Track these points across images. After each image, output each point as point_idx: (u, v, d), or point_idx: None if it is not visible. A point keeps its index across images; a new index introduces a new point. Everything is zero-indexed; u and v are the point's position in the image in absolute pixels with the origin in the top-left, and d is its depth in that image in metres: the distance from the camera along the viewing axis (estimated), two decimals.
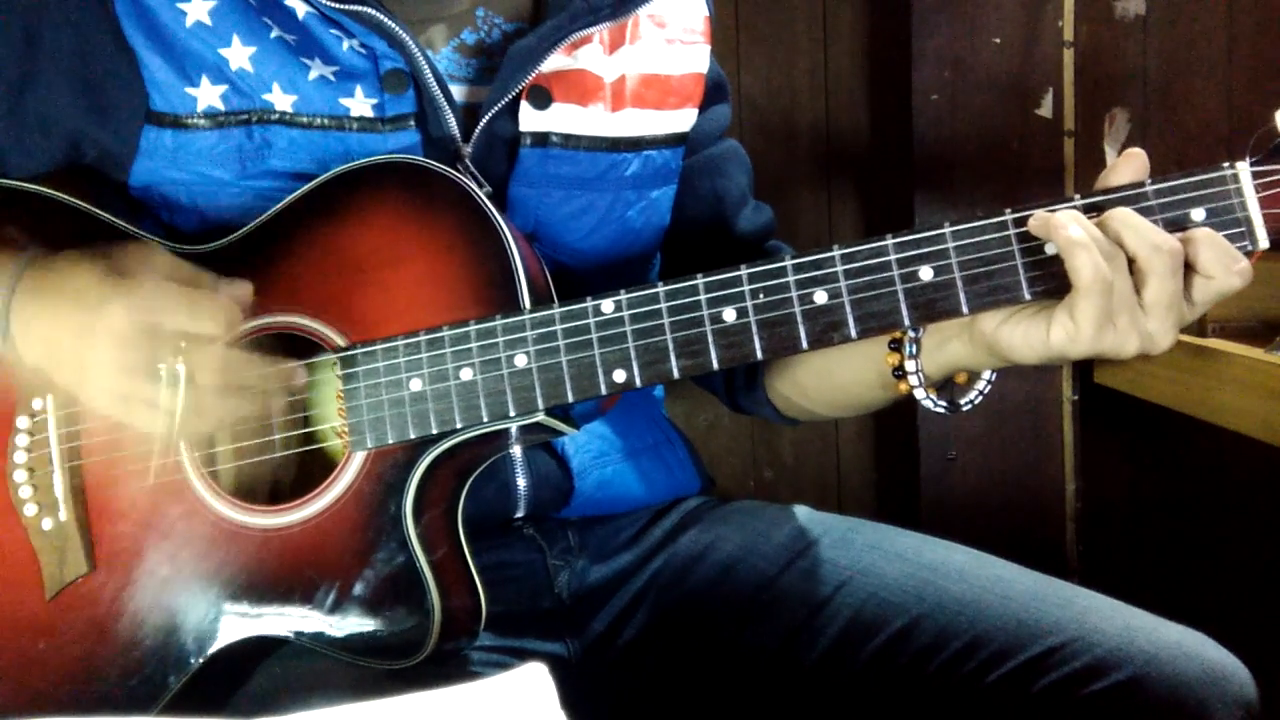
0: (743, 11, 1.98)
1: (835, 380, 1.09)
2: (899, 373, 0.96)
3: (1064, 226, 0.81)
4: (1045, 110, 1.91)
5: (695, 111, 1.17)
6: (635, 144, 1.12)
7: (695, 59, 1.17)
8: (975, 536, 1.11)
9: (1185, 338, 1.56)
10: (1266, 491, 1.88)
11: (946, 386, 0.99)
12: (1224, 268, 0.82)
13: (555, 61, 1.06)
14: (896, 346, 0.96)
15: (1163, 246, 0.81)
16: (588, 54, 1.09)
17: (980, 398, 0.97)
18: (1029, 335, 0.87)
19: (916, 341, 0.95)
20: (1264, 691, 0.94)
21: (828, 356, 1.06)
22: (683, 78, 1.15)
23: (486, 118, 1.03)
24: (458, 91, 1.06)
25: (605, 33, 1.10)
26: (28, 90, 1.02)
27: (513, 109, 1.05)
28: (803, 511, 1.16)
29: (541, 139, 1.06)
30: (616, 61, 1.11)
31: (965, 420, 1.96)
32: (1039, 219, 0.83)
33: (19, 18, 1.02)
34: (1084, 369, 1.92)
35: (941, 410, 0.97)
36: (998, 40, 1.90)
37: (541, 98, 1.06)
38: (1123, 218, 0.82)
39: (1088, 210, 0.84)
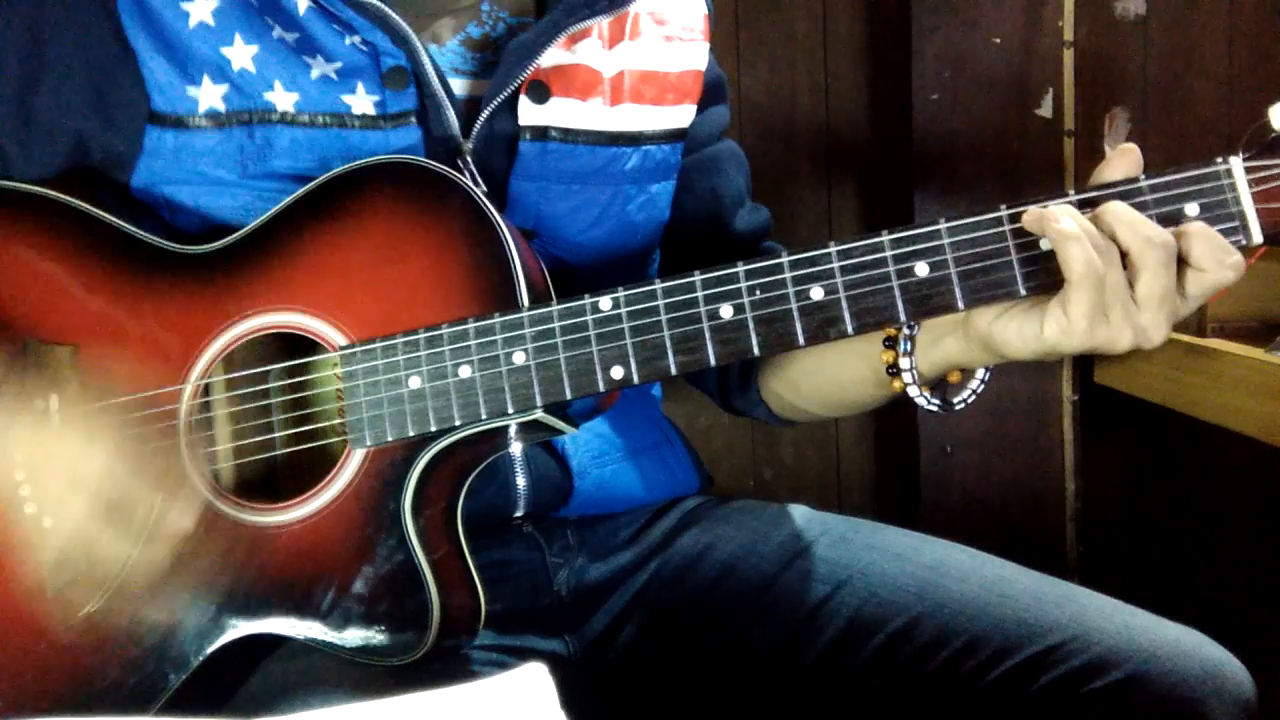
0: (743, 12, 1.98)
1: (829, 378, 1.09)
2: (893, 370, 0.96)
3: (1056, 219, 0.81)
4: (1045, 110, 1.91)
5: (694, 108, 1.17)
6: (634, 139, 1.12)
7: (694, 56, 1.17)
8: (975, 536, 1.11)
9: (1185, 338, 1.56)
10: (1266, 491, 1.88)
11: (940, 385, 0.99)
12: (1216, 261, 0.82)
13: (554, 56, 1.06)
14: (891, 344, 0.96)
15: (1155, 239, 0.81)
16: (587, 48, 1.09)
17: (974, 396, 0.97)
18: (1023, 330, 0.87)
19: (911, 339, 0.95)
20: (1263, 690, 0.94)
21: (822, 354, 1.06)
22: (681, 74, 1.16)
23: (486, 112, 1.03)
24: (462, 86, 1.07)
25: (605, 28, 1.10)
26: (32, 93, 1.02)
27: (513, 104, 1.05)
28: (802, 511, 1.16)
29: (541, 133, 1.07)
30: (615, 57, 1.11)
31: (965, 420, 1.95)
32: (1032, 214, 0.84)
33: (22, 21, 1.02)
34: (1084, 369, 1.92)
35: (935, 408, 0.97)
36: (998, 40, 1.90)
37: (540, 92, 1.06)
38: (1115, 211, 0.82)
39: (1083, 206, 0.84)
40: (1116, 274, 0.82)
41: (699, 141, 1.19)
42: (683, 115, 1.16)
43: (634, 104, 1.12)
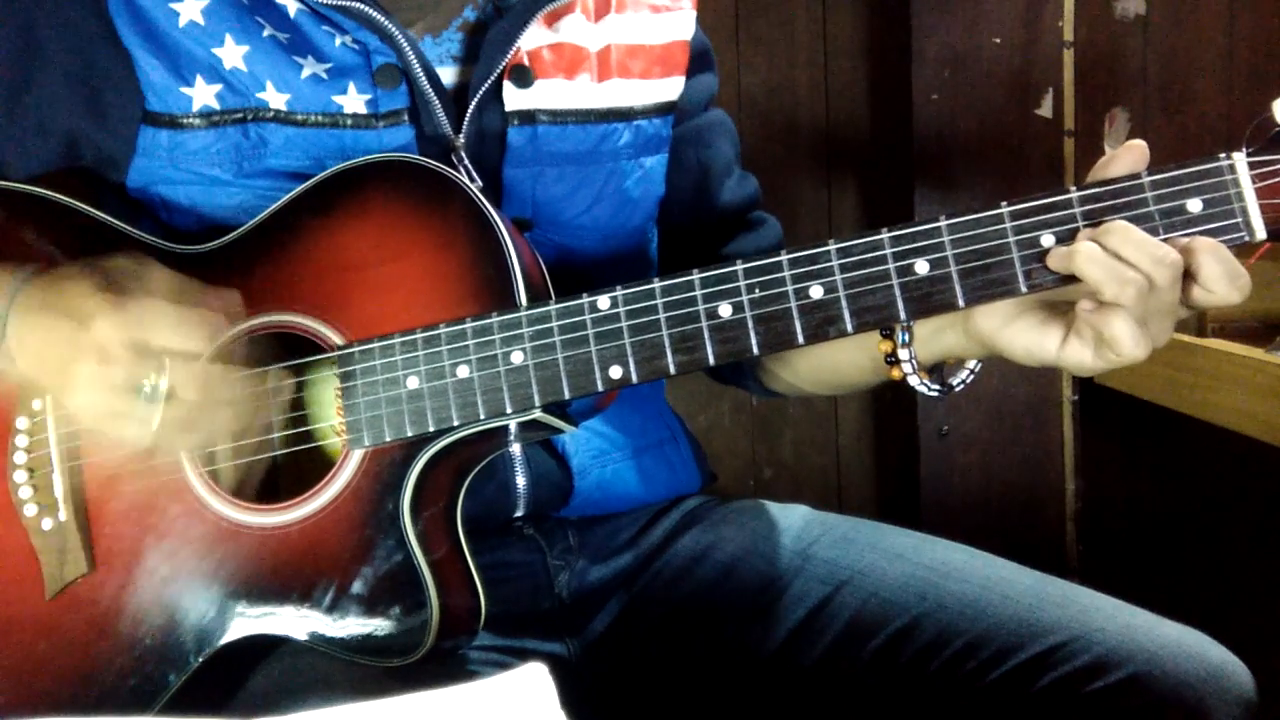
0: (743, 11, 1.98)
1: (827, 363, 1.09)
2: (891, 359, 0.96)
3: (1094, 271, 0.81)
4: (1045, 110, 1.91)
5: (682, 79, 1.16)
6: (624, 114, 1.12)
7: (680, 26, 1.16)
8: (975, 536, 1.11)
9: (1185, 338, 1.56)
10: (1266, 491, 1.88)
11: (937, 368, 0.99)
12: (1228, 283, 0.82)
13: (538, 37, 1.06)
14: (889, 334, 0.96)
15: (1165, 260, 0.81)
16: (570, 25, 1.09)
17: (972, 377, 0.98)
18: (1032, 349, 0.88)
19: (908, 330, 0.95)
20: (1263, 690, 0.94)
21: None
22: (668, 46, 1.15)
23: (474, 103, 1.03)
24: (459, 74, 1.06)
25: (589, 0, 1.10)
26: (25, 92, 1.02)
27: (500, 92, 1.05)
28: (803, 511, 1.16)
29: (529, 117, 1.06)
30: (602, 31, 1.11)
31: (966, 420, 1.95)
32: (1059, 255, 0.83)
33: (15, 20, 1.02)
34: None
35: (935, 394, 0.97)
36: (998, 40, 1.90)
37: (523, 76, 1.06)
38: (1123, 233, 0.81)
39: (1084, 203, 0.83)
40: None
41: (687, 112, 1.18)
42: (671, 88, 1.15)
43: (622, 79, 1.11)
